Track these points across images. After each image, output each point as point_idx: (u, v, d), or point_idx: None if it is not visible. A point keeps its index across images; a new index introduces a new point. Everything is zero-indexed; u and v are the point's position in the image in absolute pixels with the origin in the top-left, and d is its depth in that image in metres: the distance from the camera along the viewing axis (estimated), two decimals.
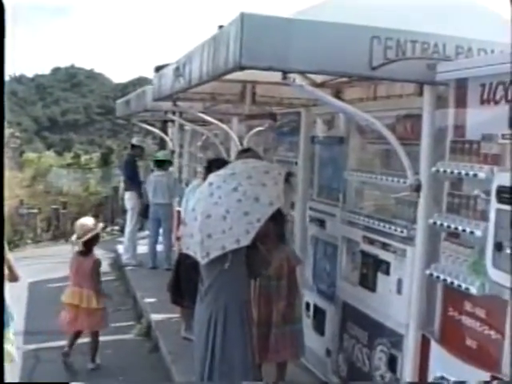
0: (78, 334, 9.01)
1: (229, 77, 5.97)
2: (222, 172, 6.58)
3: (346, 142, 7.14)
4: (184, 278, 7.04)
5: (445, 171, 5.12)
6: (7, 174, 12.87)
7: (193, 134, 15.44)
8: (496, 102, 4.78)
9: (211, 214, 6.14)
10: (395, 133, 5.83)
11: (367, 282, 6.59)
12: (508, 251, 4.40)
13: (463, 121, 5.15)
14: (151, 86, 10.23)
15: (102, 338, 9.44)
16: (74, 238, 8.94)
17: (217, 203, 6.17)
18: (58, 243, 20.22)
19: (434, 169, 5.27)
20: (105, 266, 14.96)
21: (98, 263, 8.95)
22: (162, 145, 18.28)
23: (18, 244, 19.83)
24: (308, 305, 8.07)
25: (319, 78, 6.72)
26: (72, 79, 79.63)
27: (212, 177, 6.56)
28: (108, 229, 20.53)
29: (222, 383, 6.38)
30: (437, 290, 5.51)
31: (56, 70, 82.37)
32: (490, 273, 4.60)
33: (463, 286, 4.88)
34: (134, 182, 14.86)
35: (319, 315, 7.76)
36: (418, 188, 5.47)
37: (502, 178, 4.51)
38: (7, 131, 60.88)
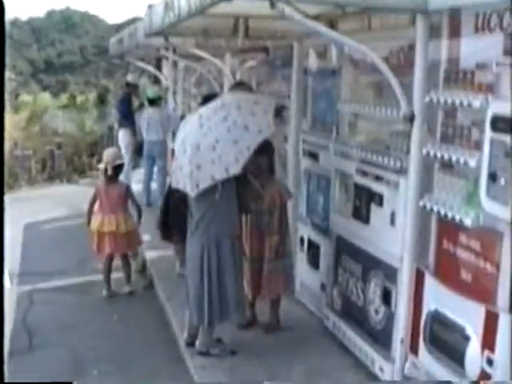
0: (112, 258, 9.31)
1: (221, 11, 5.94)
2: (211, 104, 6.49)
3: (339, 73, 6.99)
4: (173, 213, 6.91)
5: (438, 101, 4.99)
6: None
7: (186, 71, 15.24)
8: (490, 30, 4.63)
9: (201, 145, 6.09)
10: (389, 64, 5.67)
11: (360, 215, 6.49)
12: (502, 182, 4.28)
13: (457, 50, 4.99)
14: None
15: (96, 277, 9.58)
16: (101, 166, 9.14)
17: (206, 134, 6.11)
18: (53, 184, 20.10)
19: (427, 98, 5.13)
20: None
21: (129, 187, 9.34)
22: (157, 82, 18.01)
23: (13, 186, 19.73)
24: (302, 239, 8.01)
25: (312, 11, 6.50)
26: (67, 21, 78.80)
27: (202, 109, 6.47)
28: None
29: (217, 318, 6.48)
30: (431, 222, 5.41)
31: (51, 13, 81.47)
32: (485, 204, 4.52)
33: (457, 217, 4.79)
34: (127, 119, 14.71)
35: (313, 249, 7.69)
36: (411, 118, 5.35)
37: (496, 107, 4.40)
38: None
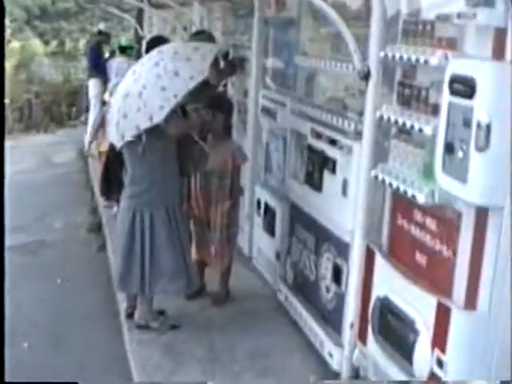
0: None
1: None
2: (151, 52, 5.84)
3: (298, 23, 6.34)
4: (112, 169, 6.28)
5: (393, 56, 4.29)
6: None
7: (163, 21, 14.48)
8: None
9: (129, 92, 5.55)
10: (347, 13, 4.98)
11: (313, 181, 5.85)
12: (460, 154, 3.61)
13: None
14: None
15: (49, 236, 9.21)
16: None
17: (136, 80, 5.57)
18: (29, 134, 19.41)
19: (382, 53, 4.44)
20: (71, 156, 14.43)
21: None
22: (136, 32, 17.34)
23: None
24: (259, 202, 7.40)
25: None
26: None
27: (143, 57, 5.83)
28: (82, 117, 19.67)
29: (150, 289, 5.98)
30: (385, 194, 4.74)
31: None
32: (440, 179, 3.83)
33: (409, 192, 4.13)
34: (97, 68, 14.13)
35: (270, 214, 7.07)
36: (366, 76, 4.69)
37: (456, 66, 3.69)
38: None
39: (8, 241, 8.42)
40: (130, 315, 6.40)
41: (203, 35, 7.93)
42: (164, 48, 5.91)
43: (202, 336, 6.16)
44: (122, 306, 6.57)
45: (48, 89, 23.14)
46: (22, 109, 21.17)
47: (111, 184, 6.49)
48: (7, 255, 8.20)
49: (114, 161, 6.30)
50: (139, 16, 16.87)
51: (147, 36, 15.12)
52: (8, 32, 54.13)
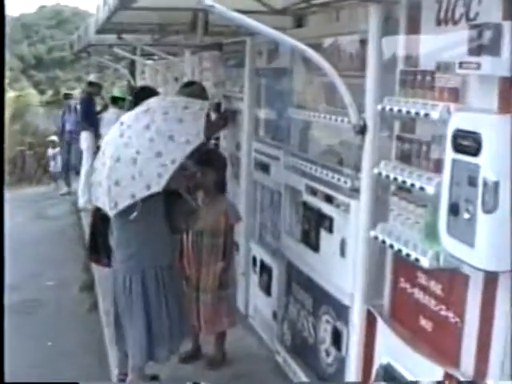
0: None
1: (178, 4, 5.35)
2: (136, 109, 5.56)
3: (290, 73, 6.08)
4: (99, 233, 5.99)
5: (391, 109, 4.02)
6: None
7: (153, 71, 14.29)
8: (455, 23, 3.66)
9: (120, 157, 5.18)
10: (341, 63, 4.73)
11: (310, 240, 5.58)
12: (466, 216, 3.31)
13: (416, 46, 4.06)
14: None
15: (42, 296, 9.06)
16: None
17: (127, 144, 5.21)
18: (22, 186, 19.20)
19: (379, 106, 4.17)
20: (64, 209, 14.17)
21: None
22: (129, 82, 17.17)
23: None
24: (255, 260, 7.14)
25: (280, 4, 5.61)
26: (57, 17, 77.76)
27: (125, 116, 5.54)
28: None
29: (141, 358, 5.63)
30: (386, 255, 4.43)
31: (41, 8, 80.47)
32: (445, 242, 3.52)
33: (412, 255, 3.82)
34: (89, 120, 13.97)
35: (266, 272, 6.81)
36: (362, 129, 4.42)
37: (459, 120, 3.41)
38: None
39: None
40: (121, 380, 6.07)
41: (194, 86, 7.72)
42: (151, 105, 5.58)
43: None
44: (114, 372, 6.22)
45: (41, 140, 22.91)
46: (15, 160, 20.96)
47: (99, 248, 6.19)
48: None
49: (99, 224, 6.01)
50: (132, 66, 16.66)
51: (137, 85, 15.01)
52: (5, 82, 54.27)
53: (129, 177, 5.14)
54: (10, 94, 36.67)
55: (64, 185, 16.45)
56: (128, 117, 5.56)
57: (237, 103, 7.63)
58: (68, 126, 15.99)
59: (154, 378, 6.11)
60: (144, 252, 5.45)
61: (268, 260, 6.71)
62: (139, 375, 5.87)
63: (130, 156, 5.18)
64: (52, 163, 17.51)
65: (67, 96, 16.88)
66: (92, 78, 14.88)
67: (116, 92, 13.19)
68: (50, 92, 40.64)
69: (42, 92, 44.92)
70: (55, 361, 7.24)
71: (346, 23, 5.05)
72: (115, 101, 12.91)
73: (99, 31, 8.14)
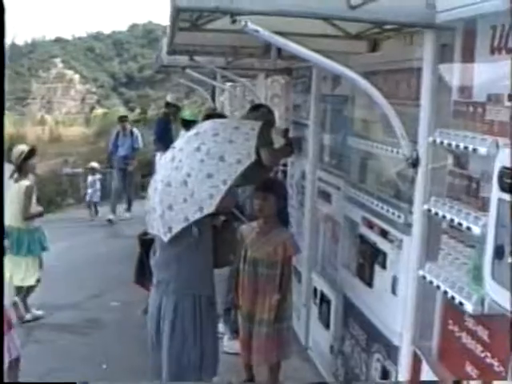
0: None
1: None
2: (188, 133, 5.48)
3: (352, 101, 5.88)
4: (145, 257, 5.91)
5: (442, 142, 3.81)
6: (77, 129, 12.31)
7: (232, 94, 14.23)
8: (508, 51, 3.43)
9: (171, 180, 5.09)
10: (397, 91, 4.53)
11: (364, 275, 5.39)
12: (510, 260, 3.08)
13: (470, 76, 3.83)
14: None
15: (102, 315, 8.92)
16: None
17: (177, 167, 5.11)
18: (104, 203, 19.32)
19: (430, 139, 3.96)
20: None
21: None
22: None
23: (61, 205, 19.00)
24: (316, 291, 6.90)
25: (354, 29, 5.57)
26: (149, 35, 79.15)
27: (177, 140, 5.47)
28: None
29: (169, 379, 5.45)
30: (436, 294, 4.20)
31: (133, 26, 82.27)
32: (488, 286, 3.30)
33: (457, 298, 3.59)
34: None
35: (325, 305, 6.59)
36: (415, 162, 4.18)
37: (506, 156, 3.18)
38: (84, 87, 61.20)
39: (62, 317, 8.15)
40: None
41: (261, 110, 7.60)
42: (201, 129, 5.50)
43: None
44: None
45: None
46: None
47: (145, 271, 6.10)
48: (58, 333, 7.93)
49: (144, 247, 5.94)
50: (213, 88, 16.63)
51: (217, 106, 14.89)
52: (95, 98, 55.28)
53: (181, 200, 5.04)
54: (97, 111, 37.45)
55: (110, 212, 15.57)
56: (180, 140, 5.50)
57: (303, 130, 7.45)
58: (122, 151, 15.28)
59: None
60: (184, 277, 5.33)
61: (327, 292, 6.51)
62: None
63: (180, 179, 5.08)
64: (90, 191, 16.10)
65: (122, 119, 15.95)
66: (169, 98, 14.62)
67: (187, 114, 12.66)
68: (138, 110, 41.24)
69: (131, 109, 45.68)
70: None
71: (412, 49, 4.81)
72: (186, 124, 12.18)
73: (170, 52, 8.08)
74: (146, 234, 5.78)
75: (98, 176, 16.50)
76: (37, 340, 8.16)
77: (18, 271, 8.33)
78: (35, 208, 8.36)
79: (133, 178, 15.73)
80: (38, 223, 8.55)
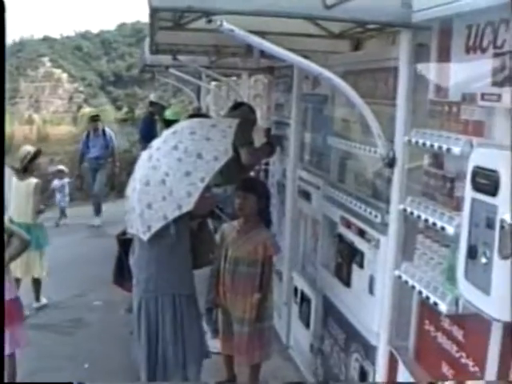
0: None
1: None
2: (164, 132, 5.48)
3: (331, 101, 5.87)
4: (124, 257, 5.90)
5: (417, 142, 3.80)
6: (64, 128, 12.35)
7: (216, 94, 14.17)
8: (483, 50, 3.42)
9: (150, 179, 5.14)
10: (376, 90, 4.54)
11: (342, 275, 5.38)
12: (483, 260, 3.07)
13: (445, 75, 3.82)
14: None
15: (87, 315, 8.95)
16: None
17: (155, 167, 5.17)
18: (89, 202, 19.20)
19: (406, 138, 3.95)
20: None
21: None
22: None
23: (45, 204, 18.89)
24: (296, 290, 6.91)
25: (337, 28, 5.57)
26: (137, 34, 78.95)
27: (155, 140, 5.47)
28: None
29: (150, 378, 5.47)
30: (413, 295, 4.19)
31: (121, 26, 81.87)
32: (462, 286, 3.29)
33: (432, 298, 3.58)
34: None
35: (305, 304, 6.59)
36: (391, 162, 4.17)
37: (479, 156, 3.17)
38: (71, 86, 61.01)
39: (48, 317, 8.11)
40: None
41: (242, 108, 7.58)
42: (178, 127, 5.54)
43: None
44: None
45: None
46: (82, 177, 21.02)
47: (124, 272, 6.08)
48: (43, 333, 7.88)
49: (124, 248, 5.92)
50: (199, 88, 16.59)
51: (201, 105, 14.80)
52: (82, 97, 55.03)
53: (160, 198, 5.07)
54: (85, 110, 37.28)
55: (94, 215, 14.91)
56: (157, 140, 5.50)
57: (285, 129, 7.44)
58: (94, 152, 14.20)
59: None
60: (164, 276, 5.33)
61: (308, 291, 6.50)
62: None
63: (159, 178, 5.12)
64: (58, 196, 14.90)
65: (94, 118, 14.83)
66: (153, 97, 14.62)
67: (169, 114, 12.47)
68: (125, 109, 41.03)
69: (119, 108, 45.46)
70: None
71: (392, 49, 4.79)
72: (168, 123, 12.11)
73: (153, 52, 8.05)
74: (124, 233, 5.77)
75: (66, 180, 15.53)
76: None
77: (33, 265, 8.77)
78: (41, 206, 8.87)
79: (103, 180, 14.88)
80: (41, 219, 8.98)
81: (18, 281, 8.59)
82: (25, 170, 8.63)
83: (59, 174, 15.21)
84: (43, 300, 9.14)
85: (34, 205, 8.62)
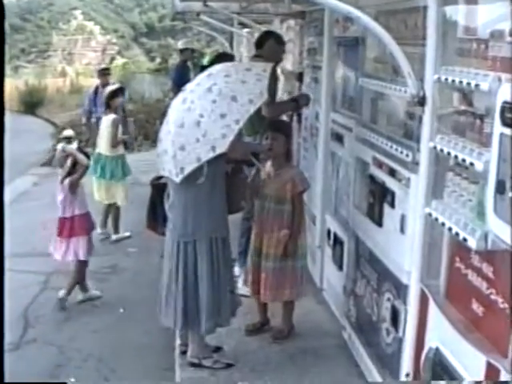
0: None
1: None
2: (198, 76, 5.49)
3: (363, 43, 5.85)
4: (157, 202, 5.95)
5: (446, 79, 3.79)
6: (97, 81, 12.24)
7: (247, 39, 14.08)
8: None
9: (184, 122, 5.15)
10: (406, 30, 4.51)
11: (374, 215, 5.40)
12: (511, 194, 3.08)
13: (474, 13, 3.80)
14: None
15: (122, 262, 9.27)
16: None
17: (190, 108, 5.17)
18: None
19: (435, 76, 3.94)
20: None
21: None
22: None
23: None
24: (329, 232, 6.96)
25: None
26: None
27: (188, 84, 5.49)
28: None
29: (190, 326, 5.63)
30: (443, 233, 4.21)
31: None
32: (491, 221, 3.31)
33: (461, 234, 3.60)
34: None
35: (338, 246, 6.62)
36: (422, 100, 4.18)
37: (507, 91, 3.16)
38: (104, 38, 60.99)
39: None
40: (183, 352, 6.00)
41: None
42: (213, 70, 5.55)
43: (257, 376, 5.74)
44: (177, 342, 6.15)
45: (144, 108, 22.95)
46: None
47: (157, 216, 6.14)
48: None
49: (158, 193, 5.97)
50: (231, 36, 16.52)
51: (234, 53, 14.69)
52: (116, 49, 54.98)
53: (193, 140, 5.10)
54: (118, 62, 37.33)
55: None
56: (191, 83, 5.51)
57: (317, 72, 7.42)
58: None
59: (218, 349, 6.03)
60: (201, 220, 5.38)
61: (340, 233, 6.52)
62: (199, 346, 5.81)
63: (193, 120, 5.14)
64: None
65: (104, 72, 12.72)
66: (181, 44, 14.33)
67: (206, 61, 12.62)
68: (158, 60, 41.04)
69: (152, 59, 45.42)
70: (123, 328, 7.22)
71: None
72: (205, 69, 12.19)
73: None
74: (158, 178, 5.83)
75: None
76: (54, 287, 8.31)
77: (116, 193, 10.02)
78: (121, 137, 9.84)
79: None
80: (122, 151, 9.99)
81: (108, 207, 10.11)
82: (107, 107, 9.67)
83: (67, 140, 14.09)
84: (125, 233, 10.08)
85: (108, 138, 9.57)
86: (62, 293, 7.66)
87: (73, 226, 7.49)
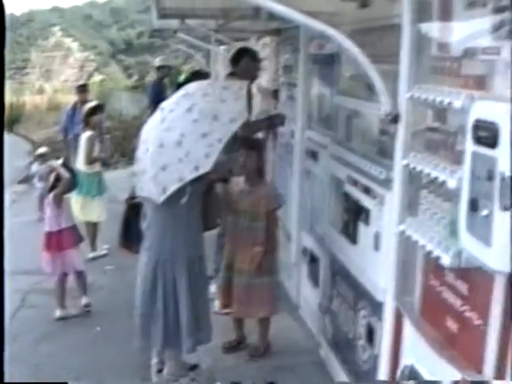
0: None
1: None
2: (174, 95, 5.48)
3: (338, 60, 5.86)
4: (132, 220, 5.92)
5: (419, 97, 3.82)
6: (75, 97, 12.07)
7: (224, 57, 14.12)
8: (484, 4, 3.40)
9: (164, 142, 5.10)
10: (374, 48, 4.57)
11: (348, 232, 5.43)
12: (484, 212, 3.08)
13: (447, 31, 3.81)
14: None
15: (99, 280, 8.95)
16: None
17: (169, 128, 5.13)
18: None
19: (409, 94, 3.96)
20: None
21: None
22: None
23: None
24: (305, 250, 6.99)
25: None
26: (147, 1, 78.49)
27: (164, 102, 5.48)
28: None
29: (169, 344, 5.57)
30: (418, 250, 4.21)
31: None
32: (464, 239, 3.30)
33: (435, 252, 3.60)
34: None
35: (314, 263, 6.67)
36: (395, 118, 4.19)
37: (479, 109, 3.17)
38: (82, 55, 60.96)
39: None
40: (160, 370, 5.98)
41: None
42: (189, 89, 5.54)
43: None
44: (154, 360, 6.12)
45: (120, 124, 22.93)
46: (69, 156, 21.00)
47: (131, 234, 6.12)
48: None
49: (132, 211, 5.96)
50: (208, 54, 16.55)
51: (211, 70, 14.73)
52: (93, 66, 54.97)
53: (175, 160, 5.07)
54: (95, 78, 37.38)
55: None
56: (167, 102, 5.50)
57: (292, 90, 7.44)
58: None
59: (194, 367, 6.00)
60: (179, 239, 5.36)
61: (316, 250, 6.54)
62: (176, 364, 5.79)
63: (174, 139, 5.10)
64: (39, 185, 11.94)
65: (82, 89, 12.25)
66: (158, 62, 14.23)
67: (182, 79, 12.50)
68: (135, 77, 41.15)
69: (130, 76, 45.51)
70: (100, 346, 7.14)
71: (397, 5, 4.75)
72: (180, 87, 12.10)
73: (161, 16, 8.04)
74: (133, 197, 5.81)
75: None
76: (32, 305, 8.25)
77: (90, 210, 9.91)
78: (97, 155, 9.70)
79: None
80: (98, 168, 9.89)
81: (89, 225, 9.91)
82: (86, 124, 9.59)
83: (41, 158, 13.26)
84: (102, 251, 9.99)
85: (83, 155, 9.52)
86: (84, 301, 7.96)
87: (61, 239, 7.51)
